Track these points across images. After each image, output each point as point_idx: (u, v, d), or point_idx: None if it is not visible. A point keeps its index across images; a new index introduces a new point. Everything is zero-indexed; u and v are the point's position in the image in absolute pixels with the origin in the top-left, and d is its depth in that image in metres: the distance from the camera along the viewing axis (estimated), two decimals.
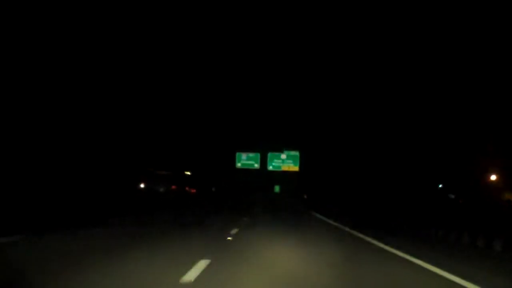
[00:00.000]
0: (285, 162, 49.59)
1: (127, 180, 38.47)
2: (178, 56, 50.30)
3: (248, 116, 50.19)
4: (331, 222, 22.74)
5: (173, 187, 56.08)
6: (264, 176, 51.41)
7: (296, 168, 49.67)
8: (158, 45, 39.22)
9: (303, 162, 49.61)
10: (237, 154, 50.40)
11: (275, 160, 49.68)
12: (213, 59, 51.15)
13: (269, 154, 49.77)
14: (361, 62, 43.90)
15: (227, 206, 35.77)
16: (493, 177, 35.30)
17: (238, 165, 50.45)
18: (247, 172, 51.24)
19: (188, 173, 59.42)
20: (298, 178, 50.06)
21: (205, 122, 52.45)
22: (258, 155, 50.03)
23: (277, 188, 55.07)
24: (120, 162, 36.75)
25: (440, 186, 41.39)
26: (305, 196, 52.79)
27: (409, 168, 39.22)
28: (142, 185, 46.73)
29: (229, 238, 12.43)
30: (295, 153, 49.64)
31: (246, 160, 50.32)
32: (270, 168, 49.95)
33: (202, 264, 7.52)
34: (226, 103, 52.03)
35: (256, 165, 50.10)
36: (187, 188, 58.96)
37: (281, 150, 49.62)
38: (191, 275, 6.62)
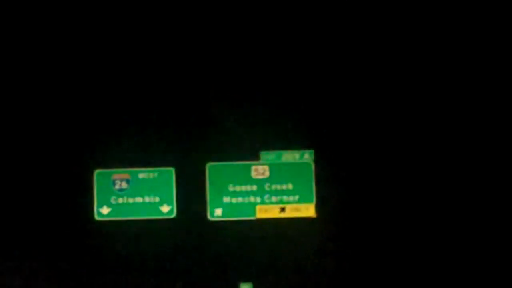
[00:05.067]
0: (269, 191, 13.85)
1: None
2: None
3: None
4: None
5: None
6: (200, 245, 14.33)
7: (310, 211, 13.80)
8: None
9: (331, 186, 13.97)
10: (96, 174, 14.15)
11: (232, 185, 13.83)
12: None
13: (209, 167, 14.00)
14: None
15: None
16: None
17: (104, 211, 13.87)
18: (131, 233, 14.22)
19: None
20: (323, 239, 13.40)
21: None
22: (172, 172, 14.14)
23: None
24: None
25: None
26: None
27: None
28: None
29: None
30: (304, 158, 14.22)
31: (128, 193, 14.02)
32: (218, 213, 13.73)
33: None
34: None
35: (165, 207, 13.78)
36: None
37: (253, 156, 14.22)
38: None
